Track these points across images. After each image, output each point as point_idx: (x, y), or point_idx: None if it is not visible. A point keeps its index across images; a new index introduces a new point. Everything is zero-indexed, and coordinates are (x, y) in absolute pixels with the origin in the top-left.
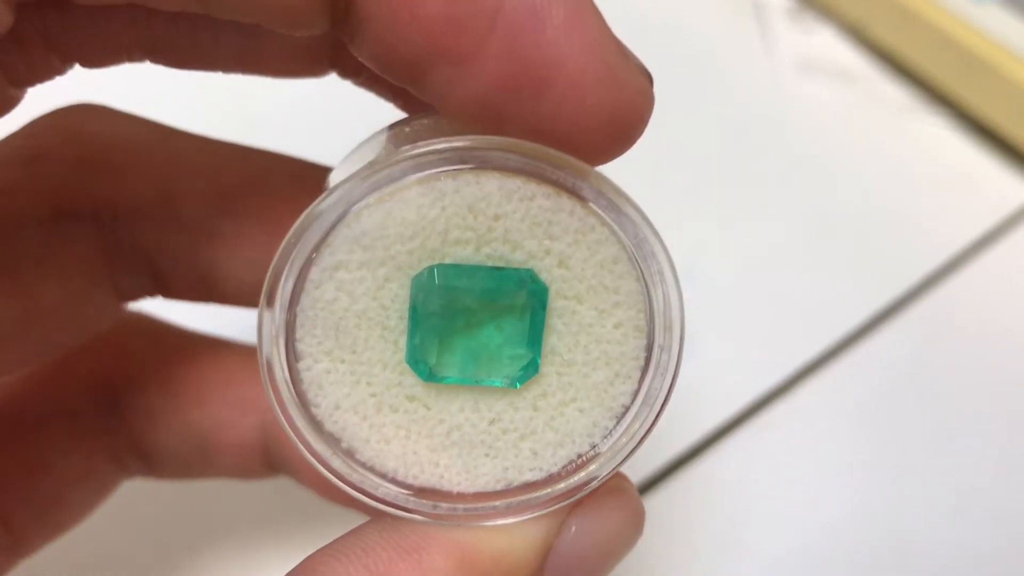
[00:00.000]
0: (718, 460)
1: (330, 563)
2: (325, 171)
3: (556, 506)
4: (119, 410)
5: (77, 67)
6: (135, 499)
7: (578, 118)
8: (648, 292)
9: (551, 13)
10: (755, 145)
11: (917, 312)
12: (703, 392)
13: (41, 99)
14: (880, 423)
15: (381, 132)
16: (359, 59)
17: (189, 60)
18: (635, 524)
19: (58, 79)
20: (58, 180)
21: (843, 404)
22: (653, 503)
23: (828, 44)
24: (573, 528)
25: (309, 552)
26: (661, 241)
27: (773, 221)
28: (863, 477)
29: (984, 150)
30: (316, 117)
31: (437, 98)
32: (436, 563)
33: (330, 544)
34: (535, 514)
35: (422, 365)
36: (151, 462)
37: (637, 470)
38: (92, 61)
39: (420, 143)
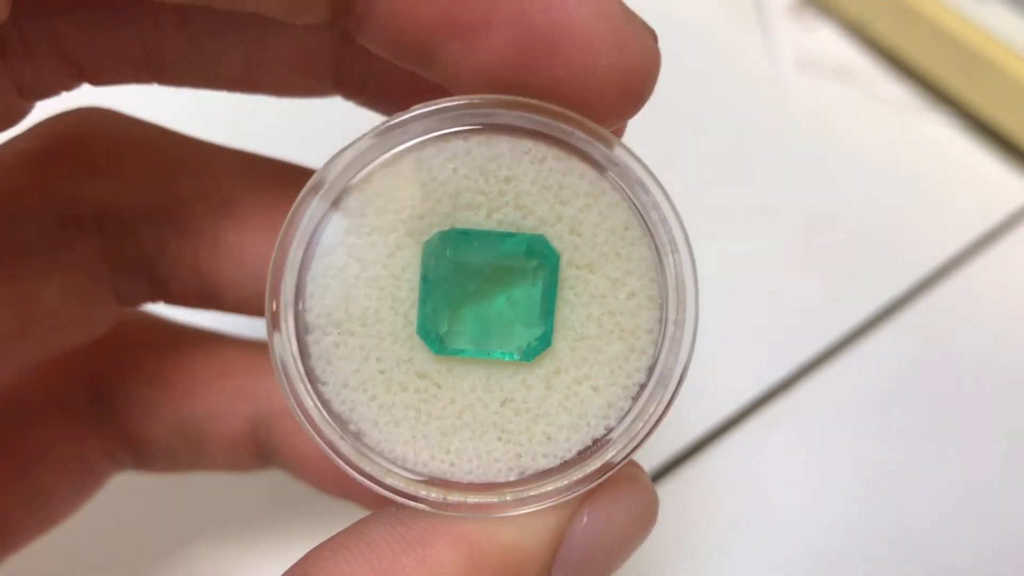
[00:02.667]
0: (718, 458)
1: (332, 558)
2: None
3: (569, 496)
4: (110, 402)
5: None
6: (127, 495)
7: (589, 81)
8: (660, 261)
9: None
10: (756, 143)
11: (919, 310)
12: (704, 389)
13: (47, 103)
14: (881, 421)
15: (368, 133)
16: (366, 46)
17: (194, 75)
18: (649, 513)
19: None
20: (62, 183)
21: (844, 402)
22: None
23: (829, 42)
24: (585, 519)
25: (304, 545)
26: (674, 208)
27: (774, 218)
28: (864, 475)
29: (986, 148)
30: (319, 127)
31: (448, 75)
32: (442, 557)
33: (332, 538)
34: (547, 504)
35: (433, 336)
36: (141, 455)
37: None
38: (100, 76)
39: (431, 102)
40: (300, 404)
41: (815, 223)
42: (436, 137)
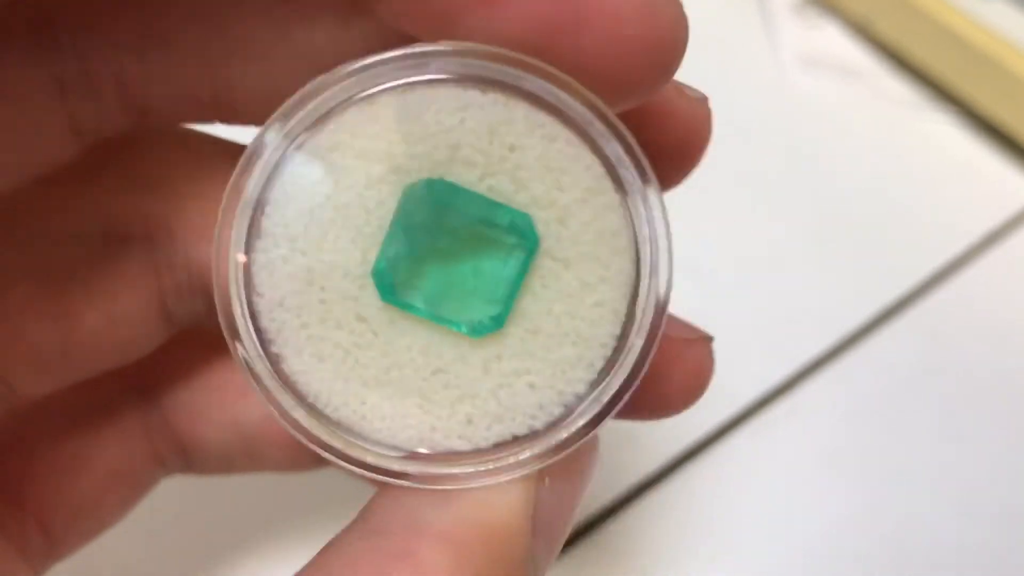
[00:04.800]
0: (721, 458)
1: None
2: None
3: (525, 471)
4: (159, 407)
5: None
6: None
7: (618, 51)
8: (638, 279)
9: None
10: (758, 141)
11: (922, 310)
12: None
13: None
14: (884, 421)
15: (385, 55)
16: (381, 15)
17: (256, 113)
18: (594, 455)
19: None
20: (108, 198)
21: (847, 402)
22: (655, 500)
23: (832, 40)
24: (547, 479)
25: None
26: (668, 231)
27: (777, 217)
28: (867, 475)
29: (989, 147)
30: None
31: None
32: (434, 563)
33: (311, 563)
34: (510, 476)
35: (387, 281)
36: (192, 459)
37: (639, 467)
38: (163, 117)
39: (464, 43)
40: (228, 312)
41: (818, 222)
42: (454, 80)
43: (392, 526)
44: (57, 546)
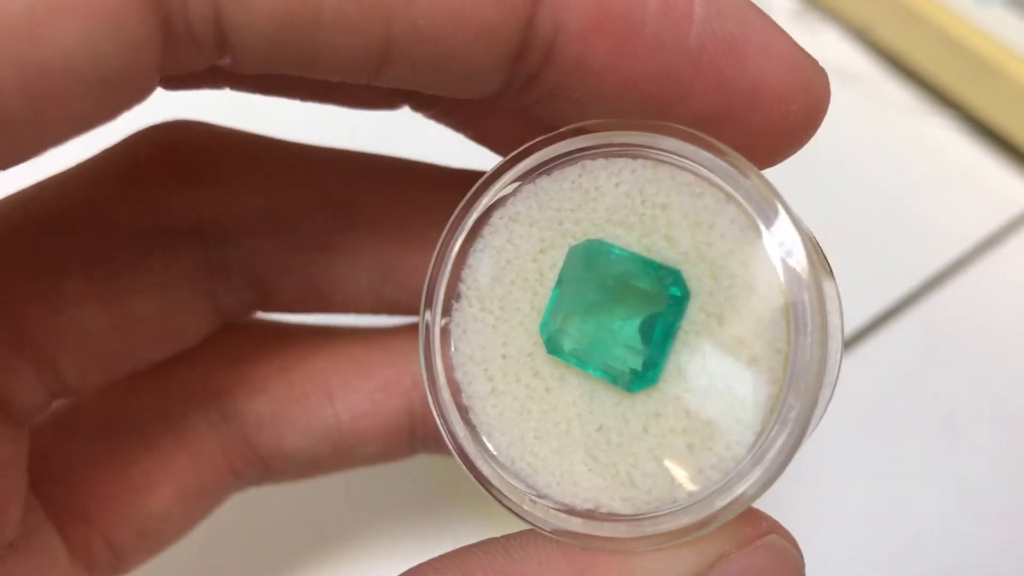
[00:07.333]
0: None
1: None
2: (431, 169)
3: (689, 537)
4: (236, 422)
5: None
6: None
7: (784, 125)
8: (793, 338)
9: (748, 40)
10: None
11: (921, 313)
12: None
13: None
14: (884, 422)
15: (553, 135)
16: (535, 112)
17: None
18: (787, 541)
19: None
20: (156, 194)
21: (846, 403)
22: None
23: (833, 45)
24: (731, 554)
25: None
26: (818, 286)
27: None
28: (866, 475)
29: (989, 151)
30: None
31: None
32: None
33: (428, 562)
34: (667, 545)
35: (551, 336)
36: (272, 468)
37: None
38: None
39: (613, 120)
40: (431, 369)
41: (817, 225)
42: (606, 150)
43: (525, 555)
44: (123, 561)
